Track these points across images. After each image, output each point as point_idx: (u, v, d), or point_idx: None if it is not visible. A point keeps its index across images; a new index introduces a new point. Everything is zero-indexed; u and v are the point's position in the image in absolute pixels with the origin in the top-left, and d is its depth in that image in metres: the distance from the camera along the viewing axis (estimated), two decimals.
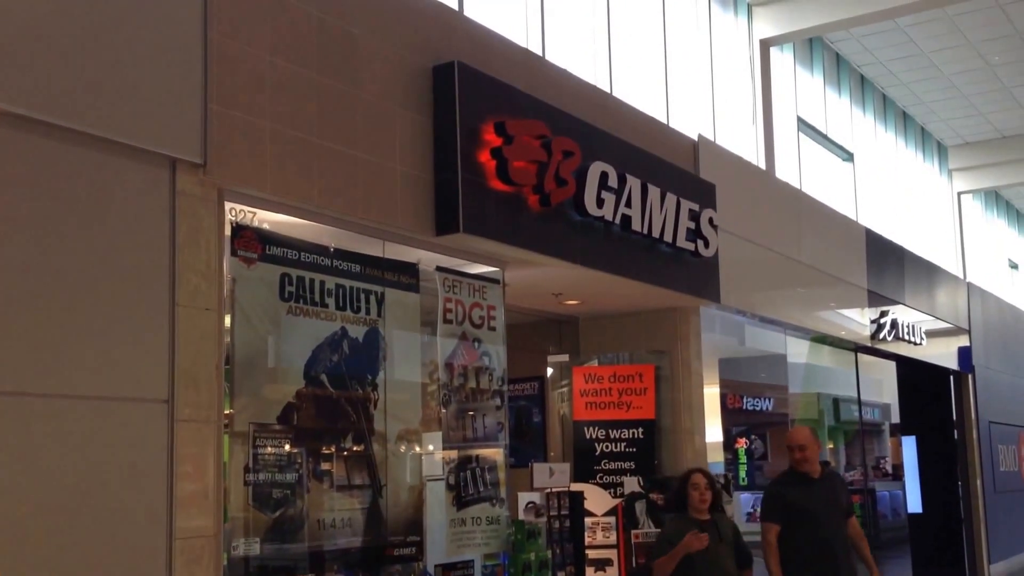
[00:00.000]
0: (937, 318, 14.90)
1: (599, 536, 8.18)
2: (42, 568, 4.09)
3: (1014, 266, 22.27)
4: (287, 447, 5.25)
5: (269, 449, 5.13)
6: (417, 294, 6.19)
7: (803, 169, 14.45)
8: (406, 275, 6.12)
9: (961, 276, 16.48)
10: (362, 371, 5.75)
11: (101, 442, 4.34)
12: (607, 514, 8.22)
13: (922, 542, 14.49)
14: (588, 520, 7.92)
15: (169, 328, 4.63)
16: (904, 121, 17.89)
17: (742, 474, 10.88)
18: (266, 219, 5.33)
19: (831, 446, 13.94)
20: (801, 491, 6.70)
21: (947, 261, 15.94)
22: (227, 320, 4.98)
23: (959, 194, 19.29)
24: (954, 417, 16.03)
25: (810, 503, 6.64)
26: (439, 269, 6.42)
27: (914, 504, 15.32)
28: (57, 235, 4.29)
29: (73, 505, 4.22)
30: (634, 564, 8.04)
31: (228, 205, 5.04)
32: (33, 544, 4.07)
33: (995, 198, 22.04)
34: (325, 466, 5.50)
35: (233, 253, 5.05)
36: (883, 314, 13.04)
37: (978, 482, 15.77)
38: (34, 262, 4.20)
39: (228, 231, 5.03)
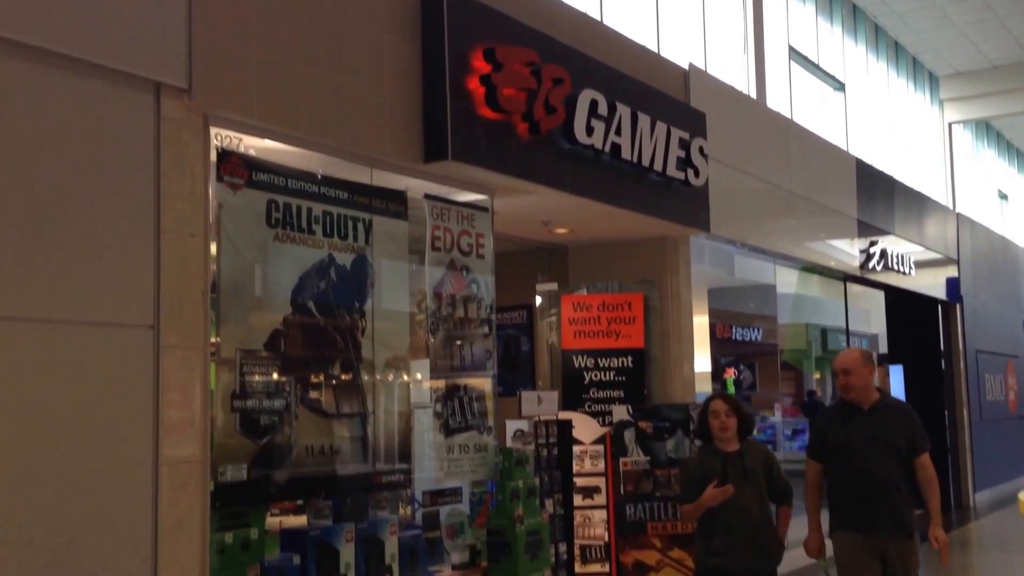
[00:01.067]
0: (926, 248, 14.92)
1: (587, 464, 8.24)
2: (27, 495, 4.10)
3: (1004, 197, 22.26)
4: (274, 374, 5.24)
5: (256, 376, 5.12)
6: (405, 222, 6.15)
7: (794, 99, 14.33)
8: (394, 203, 6.08)
9: (951, 207, 16.47)
10: (350, 298, 5.73)
11: (86, 367, 4.32)
12: (595, 442, 8.28)
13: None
14: (576, 448, 7.98)
15: (154, 254, 4.60)
16: (896, 51, 17.73)
17: None
18: (252, 145, 5.27)
19: (817, 376, 14.02)
20: (843, 424, 5.74)
21: (937, 192, 15.91)
22: (213, 248, 4.95)
23: (950, 124, 19.19)
24: (941, 347, 16.14)
25: (850, 438, 5.67)
26: (427, 197, 6.38)
27: None
28: (40, 160, 4.24)
29: (58, 431, 4.21)
30: (622, 492, 8.12)
31: (213, 130, 4.98)
32: (18, 469, 4.07)
33: (986, 129, 21.94)
34: (313, 393, 5.50)
35: (219, 179, 5.00)
36: (872, 244, 13.04)
37: (964, 411, 15.93)
38: (17, 187, 4.15)
39: (213, 156, 4.98)
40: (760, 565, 5.70)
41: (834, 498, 5.79)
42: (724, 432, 5.76)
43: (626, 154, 7.62)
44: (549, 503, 7.04)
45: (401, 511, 6.19)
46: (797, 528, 6.04)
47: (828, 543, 5.91)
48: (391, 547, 5.83)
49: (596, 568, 8.19)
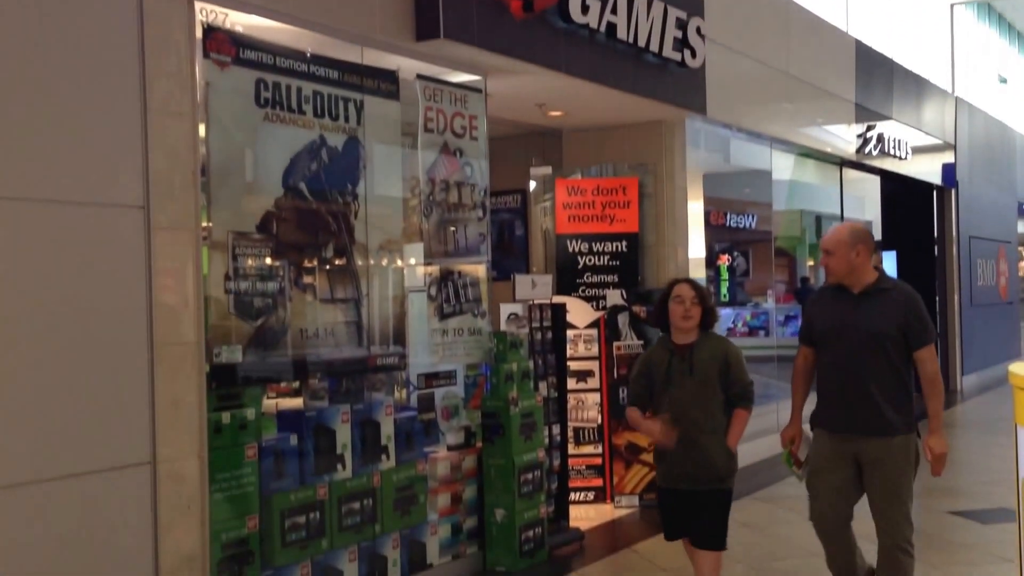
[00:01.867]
0: (924, 132, 14.81)
1: (580, 348, 8.30)
2: (22, 377, 4.10)
3: (1003, 81, 22.00)
4: (267, 257, 5.21)
5: (249, 258, 5.09)
6: (397, 102, 6.05)
7: None
8: (386, 82, 5.97)
9: (950, 91, 16.28)
10: (342, 181, 5.66)
11: (78, 248, 4.29)
12: (589, 327, 8.32)
13: None
14: (570, 332, 8.01)
15: (142, 133, 4.53)
16: None
17: (723, 290, 10.98)
18: (239, 22, 5.13)
19: (810, 263, 14.04)
20: (828, 309, 5.02)
21: (936, 75, 15.70)
22: (202, 130, 4.86)
23: (952, 5, 18.85)
24: (935, 233, 16.15)
25: (834, 324, 4.96)
26: (419, 77, 6.26)
27: None
28: (22, 38, 4.13)
29: (52, 311, 4.20)
30: (615, 375, 8.18)
31: (198, 5, 4.85)
32: (13, 351, 4.07)
33: (988, 10, 21.58)
34: (307, 277, 5.48)
35: (205, 56, 4.88)
36: (870, 129, 12.94)
37: (955, 296, 16.02)
38: None
39: (199, 33, 4.86)
40: (699, 477, 4.90)
41: (818, 390, 5.15)
42: (686, 322, 4.93)
43: (622, 34, 7.47)
44: (543, 386, 7.09)
45: (396, 394, 6.23)
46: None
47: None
48: (387, 428, 5.88)
49: (589, 449, 8.31)
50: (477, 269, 6.68)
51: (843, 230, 5.02)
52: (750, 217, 11.41)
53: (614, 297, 8.37)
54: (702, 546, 4.96)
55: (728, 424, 4.95)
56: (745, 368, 5.02)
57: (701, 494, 4.93)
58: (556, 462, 7.18)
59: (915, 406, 4.94)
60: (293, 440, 5.36)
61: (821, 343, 5.02)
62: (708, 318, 5.03)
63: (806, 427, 5.22)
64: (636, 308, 8.31)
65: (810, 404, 5.23)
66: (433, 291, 6.34)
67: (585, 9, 7.01)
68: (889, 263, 16.03)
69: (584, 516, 7.75)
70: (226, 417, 4.92)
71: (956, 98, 16.39)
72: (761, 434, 10.32)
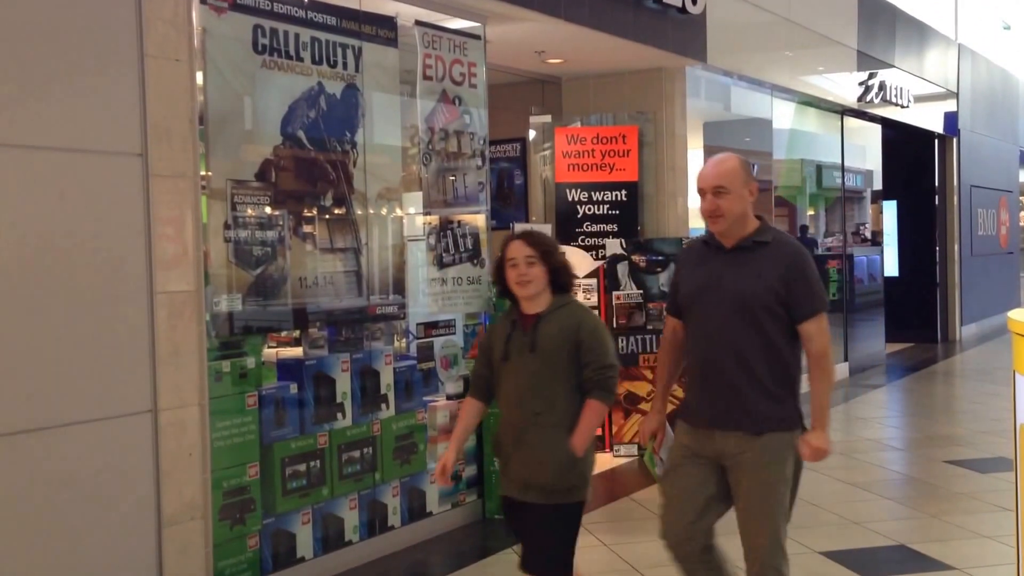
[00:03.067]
0: (926, 80, 14.71)
1: (580, 297, 8.28)
2: (22, 325, 4.10)
3: (1007, 27, 21.81)
4: (266, 205, 5.19)
5: (248, 206, 5.07)
6: (396, 49, 6.00)
7: None
8: (384, 29, 5.91)
9: (953, 37, 16.15)
10: (340, 129, 5.63)
11: (76, 195, 4.27)
12: (588, 276, 8.31)
13: (897, 305, 14.83)
14: None
15: (139, 79, 4.49)
16: None
17: None
18: None
19: (811, 212, 14.01)
20: (694, 268, 3.89)
21: (940, 22, 15.56)
22: (199, 77, 4.82)
23: None
24: (936, 182, 16.10)
25: (698, 288, 3.83)
26: (418, 23, 6.20)
27: (891, 268, 15.59)
28: None
29: (49, 260, 4.19)
30: (615, 324, 8.19)
31: None
32: (12, 299, 4.06)
33: None
34: (306, 225, 5.47)
35: (202, 1, 4.83)
36: (871, 76, 12.84)
37: (955, 246, 16.00)
38: None
39: None
40: (531, 484, 3.87)
41: (688, 366, 3.97)
42: (524, 288, 3.88)
43: None
44: None
45: (396, 343, 6.24)
46: None
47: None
48: (386, 377, 5.90)
49: None
50: (476, 218, 6.66)
51: (733, 160, 3.78)
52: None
53: (613, 246, 8.36)
54: (528, 571, 3.93)
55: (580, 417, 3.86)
56: (607, 346, 3.90)
57: (533, 506, 3.87)
58: None
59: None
60: (293, 389, 5.38)
61: (686, 312, 3.87)
62: (559, 278, 3.94)
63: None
64: (635, 257, 8.30)
65: None
66: (432, 240, 6.33)
67: None
68: (889, 212, 16.00)
69: None
70: (226, 366, 4.93)
71: (959, 45, 16.26)
72: None
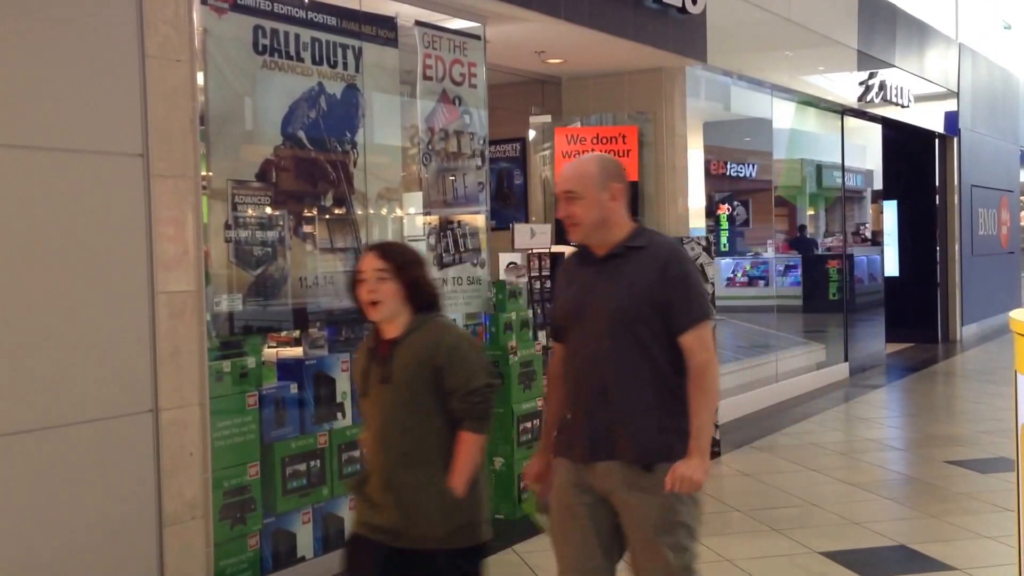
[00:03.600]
0: (926, 80, 14.70)
1: None
2: (22, 324, 4.11)
3: (1008, 27, 21.80)
4: (267, 205, 5.20)
5: (249, 206, 5.08)
6: (396, 49, 6.00)
7: None
8: (384, 29, 5.92)
9: (953, 37, 16.15)
10: (341, 129, 5.64)
11: (76, 196, 4.27)
12: None
13: (897, 305, 14.83)
14: None
15: (139, 80, 4.49)
16: None
17: (723, 240, 10.96)
18: None
19: (811, 212, 14.01)
20: (573, 282, 3.46)
21: (940, 21, 15.56)
22: (200, 77, 4.83)
23: None
24: (936, 182, 16.10)
25: (573, 301, 3.42)
26: (418, 24, 6.21)
27: (891, 268, 15.59)
28: None
29: (51, 261, 4.19)
30: None
31: None
32: (13, 298, 4.07)
33: None
34: (306, 225, 5.47)
35: (203, 2, 4.83)
36: (872, 76, 12.84)
37: (956, 246, 16.00)
38: None
39: None
40: (400, 530, 3.36)
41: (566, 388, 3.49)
42: (374, 309, 3.40)
43: None
44: (542, 335, 7.10)
45: None
46: None
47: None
48: None
49: None
50: (476, 218, 6.67)
51: (589, 163, 3.39)
52: (750, 166, 11.37)
53: None
54: None
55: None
56: (472, 366, 3.39)
57: (403, 554, 3.37)
58: None
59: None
60: (293, 389, 5.38)
61: (564, 333, 3.45)
62: (417, 295, 3.43)
63: None
64: None
65: None
66: (432, 240, 6.33)
67: None
68: (889, 212, 16.00)
69: None
70: (227, 366, 4.94)
71: (959, 44, 16.26)
72: (756, 384, 10.41)
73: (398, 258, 3.43)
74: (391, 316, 3.39)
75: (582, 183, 3.32)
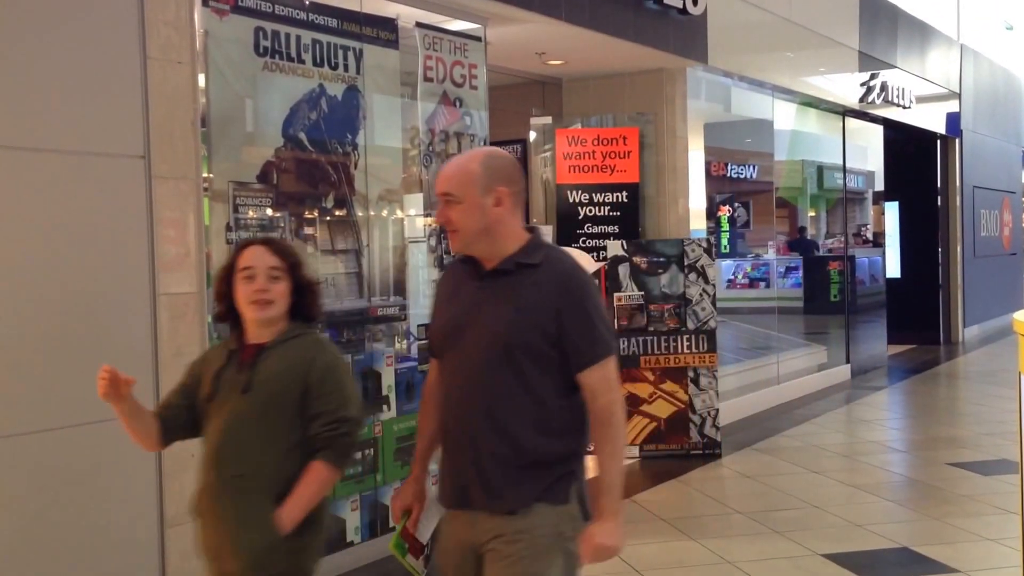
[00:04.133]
0: (928, 81, 14.69)
1: None
2: (24, 324, 4.10)
3: (1010, 28, 21.80)
4: (268, 206, 5.20)
5: (250, 208, 5.08)
6: (396, 51, 6.01)
7: None
8: (385, 31, 5.92)
9: (955, 38, 16.14)
10: (342, 131, 5.64)
11: (78, 197, 4.28)
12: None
13: (899, 306, 14.81)
14: None
15: (141, 82, 4.50)
16: None
17: (724, 241, 10.96)
18: None
19: (812, 213, 14.00)
20: (454, 297, 2.95)
21: (942, 22, 15.55)
22: (201, 79, 4.83)
23: None
24: (938, 183, 16.08)
25: (452, 320, 2.91)
26: (419, 25, 6.21)
27: (893, 269, 15.58)
28: None
29: (53, 262, 4.19)
30: (616, 326, 8.18)
31: None
32: (15, 299, 4.06)
33: None
34: (307, 227, 5.48)
35: (204, 4, 4.84)
36: (873, 77, 12.83)
37: (958, 248, 15.98)
38: None
39: None
40: (226, 563, 2.99)
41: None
42: (262, 309, 3.00)
43: None
44: None
45: (397, 344, 6.24)
46: None
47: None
48: (388, 378, 5.90)
49: None
50: None
51: (472, 160, 2.85)
52: (751, 167, 11.36)
53: (614, 248, 8.35)
54: None
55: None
56: (345, 393, 3.03)
57: None
58: None
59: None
60: None
61: (440, 355, 2.97)
62: (303, 301, 3.09)
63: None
64: (636, 259, 8.29)
65: None
66: (433, 242, 6.33)
67: None
68: (891, 213, 15.98)
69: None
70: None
71: (961, 45, 16.24)
72: (758, 386, 10.40)
73: (291, 256, 3.09)
74: (274, 319, 3.03)
75: (461, 184, 2.81)
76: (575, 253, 8.20)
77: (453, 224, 2.82)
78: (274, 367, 2.98)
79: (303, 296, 3.08)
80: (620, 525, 2.78)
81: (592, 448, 2.87)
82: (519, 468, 2.78)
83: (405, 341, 6.34)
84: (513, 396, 2.78)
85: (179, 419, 3.10)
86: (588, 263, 8.36)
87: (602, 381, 2.81)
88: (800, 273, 12.40)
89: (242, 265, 3.03)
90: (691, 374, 8.19)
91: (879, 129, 14.11)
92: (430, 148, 6.30)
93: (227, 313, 3.08)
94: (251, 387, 2.96)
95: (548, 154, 9.27)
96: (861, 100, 12.66)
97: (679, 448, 8.13)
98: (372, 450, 5.76)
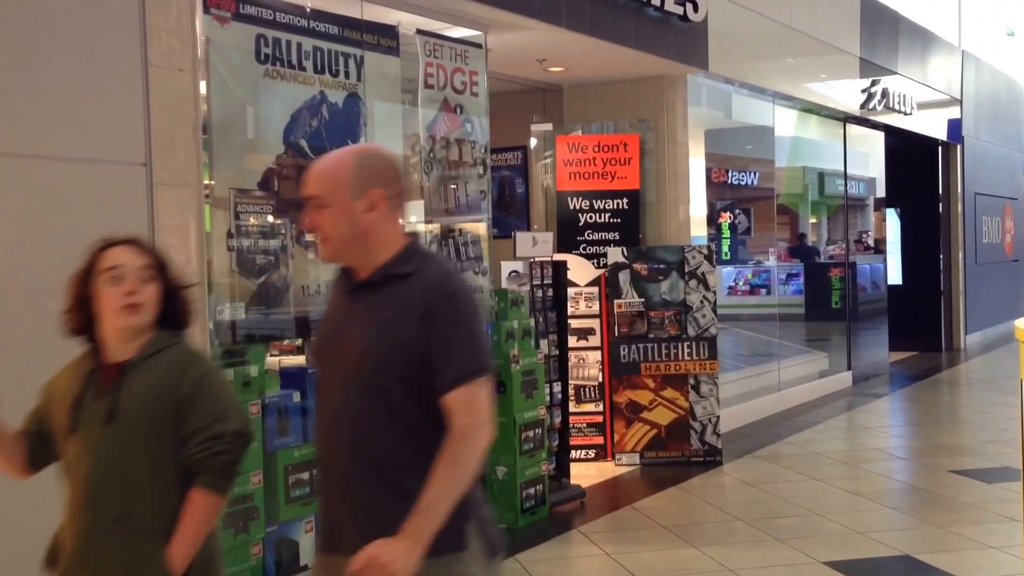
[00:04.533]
0: (929, 87, 14.69)
1: (582, 306, 8.29)
2: (26, 330, 4.10)
3: (1011, 34, 21.82)
4: (269, 213, 5.20)
5: (251, 215, 5.09)
6: (397, 58, 6.02)
7: None
8: (386, 38, 5.93)
9: (956, 44, 16.14)
10: (342, 137, 5.64)
11: (80, 204, 4.28)
12: (590, 284, 8.31)
13: (900, 313, 14.79)
14: (571, 290, 8.01)
15: (143, 89, 4.50)
16: None
17: (725, 248, 10.96)
18: None
19: (814, 220, 14.00)
20: (331, 311, 2.71)
21: (943, 28, 15.56)
22: (203, 86, 4.84)
23: None
24: (939, 189, 16.08)
25: (325, 340, 2.66)
26: (420, 32, 6.21)
27: (895, 276, 15.57)
28: None
29: (54, 268, 4.18)
30: (616, 333, 8.18)
31: None
32: (15, 308, 4.06)
33: None
34: (308, 234, 5.47)
35: (206, 11, 4.85)
36: (874, 83, 12.84)
37: (960, 254, 15.96)
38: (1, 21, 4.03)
39: None
40: None
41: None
42: (132, 314, 2.62)
43: None
44: (544, 344, 7.09)
45: None
46: None
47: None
48: None
49: (590, 407, 8.33)
50: (478, 227, 6.67)
51: (343, 160, 2.56)
52: (752, 174, 11.37)
53: (615, 255, 8.35)
54: None
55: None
56: (224, 405, 2.65)
57: None
58: (557, 420, 7.20)
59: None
60: (296, 397, 5.37)
61: (317, 371, 2.68)
62: (172, 306, 2.72)
63: None
64: (637, 266, 8.29)
65: None
66: (434, 248, 6.33)
67: None
68: (892, 220, 15.97)
69: (585, 474, 7.77)
70: (229, 374, 4.92)
71: (962, 52, 16.24)
72: (759, 393, 10.39)
73: (158, 256, 2.74)
74: (139, 331, 2.65)
75: (331, 187, 2.51)
76: (573, 260, 8.21)
77: (321, 231, 2.53)
78: (141, 387, 2.60)
79: (173, 301, 2.71)
80: (415, 552, 2.33)
81: (434, 465, 2.39)
82: (398, 507, 2.39)
83: None
84: (383, 426, 2.45)
85: (40, 446, 2.73)
86: (587, 270, 8.36)
87: (462, 403, 2.40)
88: (801, 280, 12.40)
89: (106, 265, 2.63)
90: (692, 381, 8.18)
91: (880, 135, 14.11)
92: (431, 155, 6.30)
93: (85, 324, 2.66)
94: (116, 415, 2.58)
95: (549, 161, 9.27)
96: (862, 106, 12.66)
97: (680, 455, 8.12)
98: None
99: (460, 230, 6.53)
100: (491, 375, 2.48)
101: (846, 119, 12.85)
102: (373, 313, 2.48)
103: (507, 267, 7.14)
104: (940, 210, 16.04)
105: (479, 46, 6.67)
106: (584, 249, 8.90)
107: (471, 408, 2.41)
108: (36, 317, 4.13)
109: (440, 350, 2.42)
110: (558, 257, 7.63)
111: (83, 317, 2.67)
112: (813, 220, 13.99)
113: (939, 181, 16.05)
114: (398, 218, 2.58)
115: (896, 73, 13.41)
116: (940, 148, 15.92)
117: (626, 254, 8.32)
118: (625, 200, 8.96)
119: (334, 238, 2.52)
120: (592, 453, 8.30)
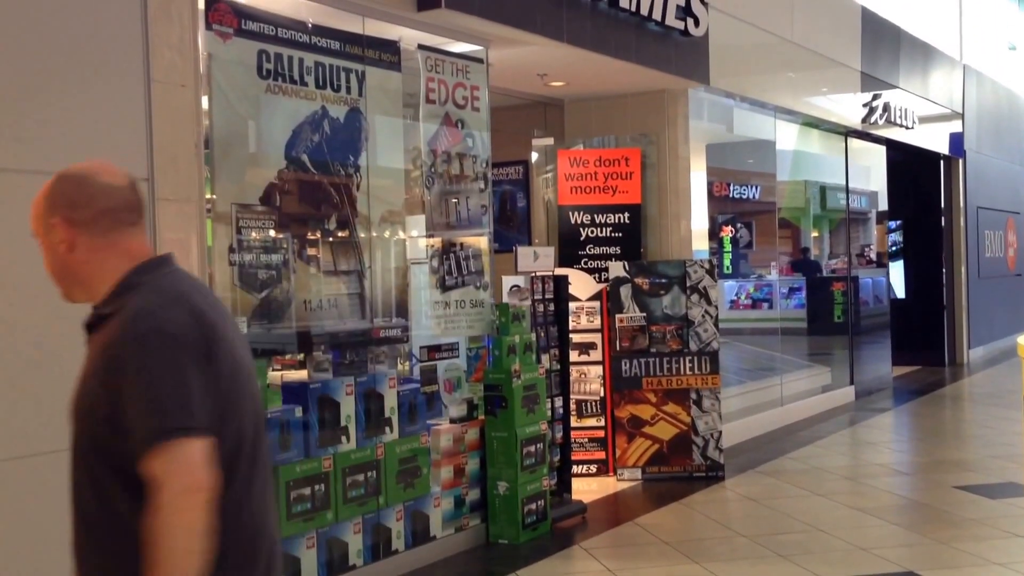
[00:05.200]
0: (931, 101, 14.70)
1: (583, 320, 8.28)
2: (29, 350, 4.10)
3: (1012, 48, 21.85)
4: (271, 228, 5.21)
5: (253, 230, 5.09)
6: (399, 73, 6.03)
7: None
8: (387, 53, 5.94)
9: (958, 58, 16.17)
10: (344, 153, 5.65)
11: None
12: (592, 299, 8.31)
13: (903, 327, 14.78)
14: (572, 305, 8.01)
15: (145, 105, 4.51)
16: None
17: (726, 262, 10.96)
18: None
19: (815, 234, 14.00)
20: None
21: (944, 42, 15.58)
22: (205, 102, 4.85)
23: None
24: (941, 203, 16.07)
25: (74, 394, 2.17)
26: (421, 47, 6.23)
27: (898, 290, 15.56)
28: (25, 10, 4.10)
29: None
30: (618, 348, 8.17)
31: None
32: (18, 323, 4.06)
33: None
34: (310, 248, 5.49)
35: (208, 27, 4.87)
36: (876, 97, 12.85)
37: (962, 268, 15.94)
38: (6, 37, 4.04)
39: (201, 4, 4.83)
40: None
41: None
42: None
43: (624, 2, 7.43)
44: (545, 359, 7.09)
45: (399, 366, 6.24)
46: None
47: None
48: (390, 400, 5.88)
49: (591, 422, 8.31)
50: (479, 241, 6.67)
51: (42, 190, 2.32)
52: (754, 188, 11.38)
53: (616, 269, 8.35)
54: None
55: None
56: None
57: None
58: (559, 435, 7.19)
59: None
60: (298, 412, 5.36)
61: None
62: None
63: None
64: (638, 280, 8.29)
65: None
66: (435, 263, 6.33)
67: None
68: (895, 234, 15.96)
69: (587, 489, 7.76)
70: None
71: (964, 66, 16.26)
72: (761, 408, 10.37)
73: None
74: None
75: (33, 219, 2.28)
76: (575, 274, 8.21)
77: (46, 261, 2.25)
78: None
79: None
80: None
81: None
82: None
83: (407, 363, 6.34)
84: (87, 503, 2.05)
85: None
86: (589, 285, 8.36)
87: (163, 469, 1.92)
88: (803, 294, 12.40)
89: None
90: (694, 396, 8.16)
91: (882, 149, 14.12)
92: (432, 169, 6.30)
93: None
94: None
95: (550, 175, 9.28)
96: (864, 120, 12.67)
97: (682, 470, 8.10)
98: (375, 472, 5.74)
99: (461, 244, 6.54)
100: (201, 433, 1.96)
101: (848, 133, 12.86)
102: (86, 365, 2.13)
103: (508, 281, 7.14)
104: (943, 224, 16.04)
105: (480, 61, 6.69)
106: (585, 263, 8.90)
107: (169, 473, 1.92)
108: (41, 333, 4.13)
109: (129, 409, 1.96)
110: (559, 271, 7.63)
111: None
112: (815, 234, 13.99)
113: (941, 195, 16.05)
114: (117, 243, 2.18)
115: (897, 87, 13.43)
116: (942, 162, 15.92)
117: (628, 268, 8.32)
118: (626, 214, 8.96)
119: (51, 276, 2.25)
120: (594, 468, 8.28)
